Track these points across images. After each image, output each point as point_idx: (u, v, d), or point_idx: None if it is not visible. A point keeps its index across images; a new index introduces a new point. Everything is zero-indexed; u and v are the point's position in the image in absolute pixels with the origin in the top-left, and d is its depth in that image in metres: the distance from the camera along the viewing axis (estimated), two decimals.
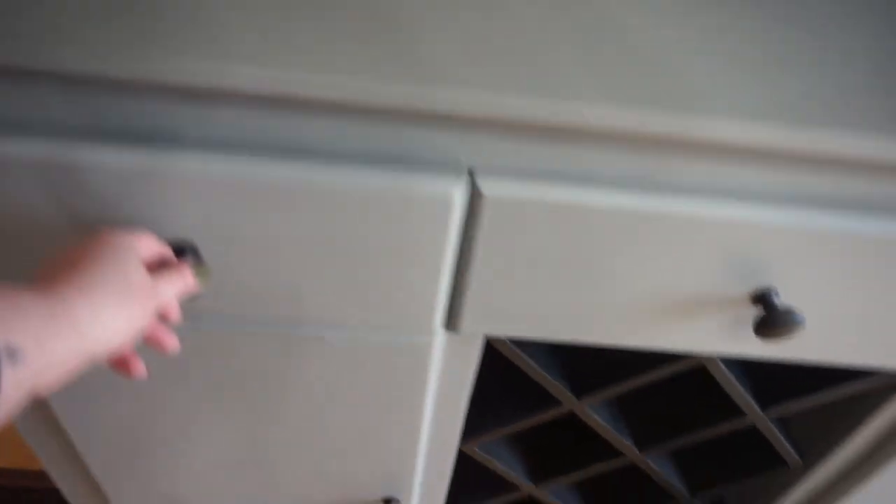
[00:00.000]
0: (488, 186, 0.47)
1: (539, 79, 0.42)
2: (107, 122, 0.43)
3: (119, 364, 0.40)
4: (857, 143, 0.44)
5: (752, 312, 0.55)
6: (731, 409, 0.75)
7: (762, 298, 0.53)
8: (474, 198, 0.47)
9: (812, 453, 0.81)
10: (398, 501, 0.82)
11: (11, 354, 0.29)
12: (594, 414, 0.75)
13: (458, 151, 0.46)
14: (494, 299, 0.54)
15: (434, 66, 0.42)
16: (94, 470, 0.73)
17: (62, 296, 0.34)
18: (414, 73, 0.41)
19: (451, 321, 0.57)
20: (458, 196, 0.47)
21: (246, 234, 0.48)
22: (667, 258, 0.51)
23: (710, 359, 0.65)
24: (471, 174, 0.47)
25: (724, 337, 0.58)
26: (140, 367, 0.41)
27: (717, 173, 0.48)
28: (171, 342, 0.43)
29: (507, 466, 0.85)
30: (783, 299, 0.53)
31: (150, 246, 0.42)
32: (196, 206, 0.46)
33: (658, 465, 0.85)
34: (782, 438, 0.77)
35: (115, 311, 0.36)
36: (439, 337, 0.59)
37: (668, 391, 0.82)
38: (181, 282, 0.43)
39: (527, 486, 0.89)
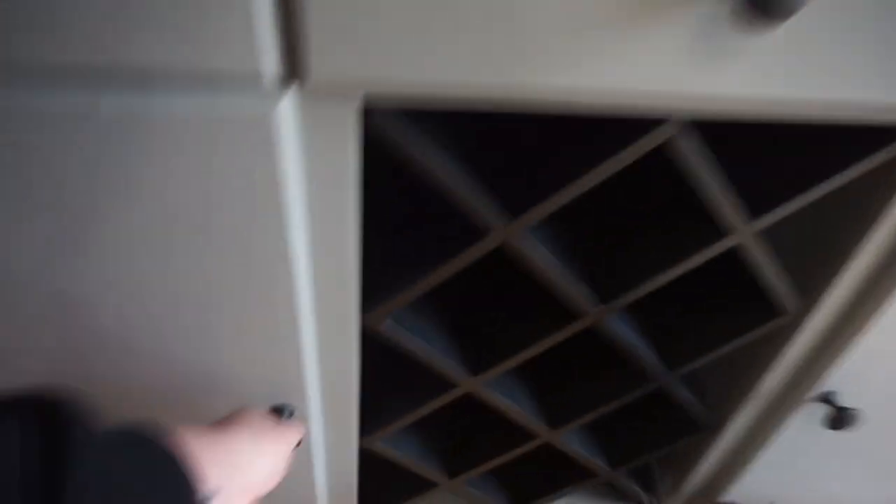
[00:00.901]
0: None
1: None
2: None
3: None
4: None
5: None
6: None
7: None
8: None
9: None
10: (291, 409, 0.61)
11: (216, 493, 0.38)
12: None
13: None
14: (348, 19, 0.36)
15: None
16: None
17: (235, 449, 0.43)
18: None
19: (294, 64, 0.38)
20: None
21: None
22: None
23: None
24: None
25: (697, 62, 0.39)
26: None
27: None
28: None
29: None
30: None
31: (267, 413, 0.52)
32: None
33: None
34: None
35: (263, 453, 0.46)
36: (287, 100, 0.39)
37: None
38: (299, 430, 0.54)
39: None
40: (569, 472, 0.88)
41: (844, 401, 0.69)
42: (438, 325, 0.64)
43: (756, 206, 0.54)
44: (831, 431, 0.71)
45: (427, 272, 0.53)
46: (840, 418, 0.68)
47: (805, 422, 0.73)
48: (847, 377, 0.67)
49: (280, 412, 0.58)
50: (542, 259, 0.54)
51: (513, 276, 0.66)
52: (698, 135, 0.49)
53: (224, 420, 0.47)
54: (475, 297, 0.68)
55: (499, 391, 0.68)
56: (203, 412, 0.57)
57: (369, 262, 0.53)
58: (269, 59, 0.36)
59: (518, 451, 0.78)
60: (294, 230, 0.45)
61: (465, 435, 0.82)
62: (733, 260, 0.59)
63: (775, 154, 0.57)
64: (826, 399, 0.69)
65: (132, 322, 0.50)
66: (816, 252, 0.62)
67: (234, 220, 0.44)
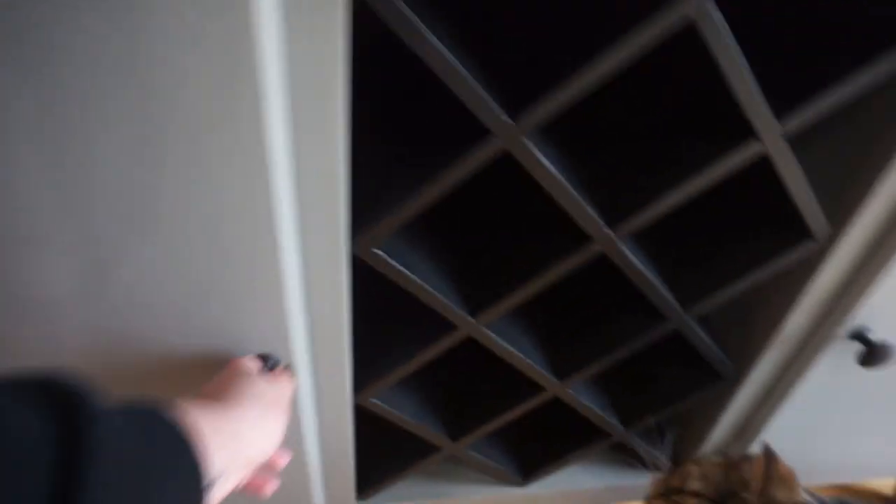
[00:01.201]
0: None
1: None
2: None
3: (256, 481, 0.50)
4: None
5: None
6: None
7: None
8: None
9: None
10: (276, 359, 0.55)
11: (220, 476, 0.38)
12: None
13: None
14: None
15: None
16: None
17: (234, 419, 0.42)
18: None
19: None
20: None
21: None
22: None
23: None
24: None
25: None
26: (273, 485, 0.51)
27: None
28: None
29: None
30: None
31: (254, 363, 0.52)
32: None
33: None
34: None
35: (266, 423, 0.45)
36: None
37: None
38: (290, 382, 0.53)
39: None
40: (579, 434, 0.83)
41: (878, 335, 0.64)
42: (436, 257, 0.59)
43: (783, 107, 0.48)
44: (864, 373, 0.65)
45: (419, 186, 0.47)
46: (874, 354, 0.63)
47: (834, 365, 0.68)
48: (880, 309, 0.62)
49: (264, 361, 0.54)
50: (548, 169, 0.48)
51: (515, 201, 0.61)
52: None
53: (220, 384, 0.46)
54: (475, 227, 0.63)
55: (502, 336, 0.63)
56: (182, 362, 0.53)
57: (354, 177, 0.47)
58: None
59: (524, 407, 0.73)
60: (273, 119, 0.38)
61: (466, 391, 0.76)
62: (757, 177, 0.53)
63: (801, 50, 0.51)
64: (858, 335, 0.64)
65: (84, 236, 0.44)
66: (845, 173, 0.57)
67: (205, 105, 0.37)
